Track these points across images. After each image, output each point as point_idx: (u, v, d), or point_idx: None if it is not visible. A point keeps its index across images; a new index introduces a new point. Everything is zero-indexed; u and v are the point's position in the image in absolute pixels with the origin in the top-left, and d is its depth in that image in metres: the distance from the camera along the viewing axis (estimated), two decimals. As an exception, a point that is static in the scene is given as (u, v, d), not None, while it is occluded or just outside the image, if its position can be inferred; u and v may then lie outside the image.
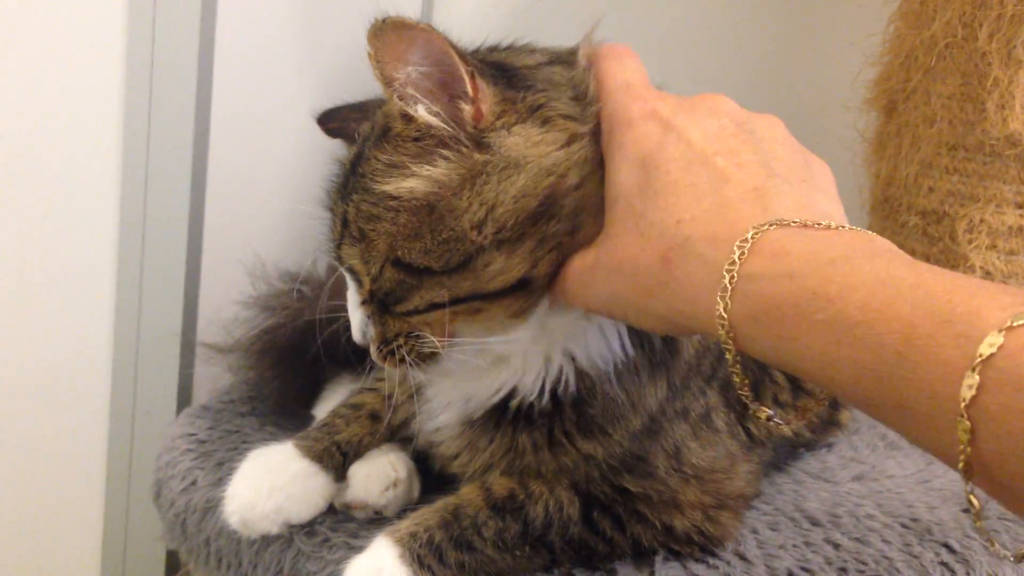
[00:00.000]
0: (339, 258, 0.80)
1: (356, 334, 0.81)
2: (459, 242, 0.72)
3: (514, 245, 0.72)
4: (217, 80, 1.28)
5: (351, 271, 0.80)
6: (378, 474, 0.88)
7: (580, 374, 0.80)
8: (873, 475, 1.08)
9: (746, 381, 0.63)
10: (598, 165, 0.73)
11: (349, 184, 0.79)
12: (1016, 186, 1.24)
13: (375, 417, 0.94)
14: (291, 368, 1.09)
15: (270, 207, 1.36)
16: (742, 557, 0.86)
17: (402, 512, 0.87)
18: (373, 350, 0.80)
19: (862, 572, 0.85)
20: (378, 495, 0.87)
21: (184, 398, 1.33)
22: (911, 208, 1.31)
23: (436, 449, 0.90)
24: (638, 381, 0.81)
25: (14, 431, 1.33)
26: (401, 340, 0.78)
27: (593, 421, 0.81)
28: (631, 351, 0.80)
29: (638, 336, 0.80)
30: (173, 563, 1.37)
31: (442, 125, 0.73)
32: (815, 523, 0.94)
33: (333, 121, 0.93)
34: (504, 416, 0.83)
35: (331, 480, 0.88)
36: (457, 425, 0.86)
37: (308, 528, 0.86)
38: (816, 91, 1.63)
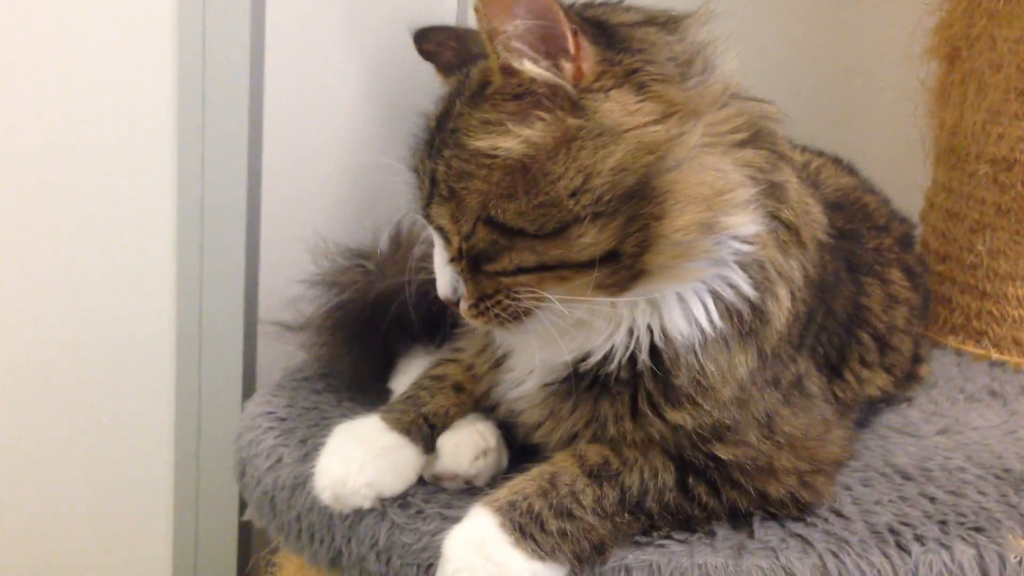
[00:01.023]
0: (428, 216, 0.81)
1: (445, 290, 0.81)
2: (555, 208, 0.72)
3: (608, 219, 0.72)
4: (269, 60, 1.27)
5: (440, 230, 0.80)
6: (467, 443, 0.88)
7: (662, 345, 0.79)
8: (958, 428, 1.07)
9: None
10: (699, 149, 0.73)
11: (437, 141, 0.78)
12: (1089, 129, 1.21)
13: (459, 388, 0.93)
14: (364, 343, 1.08)
15: (327, 186, 1.36)
16: (839, 514, 0.85)
17: (492, 481, 0.87)
18: (464, 307, 0.80)
19: (963, 524, 0.84)
20: (468, 464, 0.87)
21: (249, 378, 1.33)
22: (980, 156, 1.28)
23: (519, 418, 0.89)
24: (727, 351, 0.80)
25: (83, 418, 1.34)
26: (500, 296, 0.78)
27: (680, 391, 0.80)
28: (719, 322, 0.79)
29: (725, 306, 0.79)
30: (245, 544, 1.37)
31: (547, 79, 0.72)
32: (907, 477, 0.93)
33: (429, 42, 0.91)
34: (583, 384, 0.83)
35: (420, 452, 0.88)
36: (539, 393, 0.86)
37: (400, 500, 0.85)
38: (874, 42, 1.60)
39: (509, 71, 0.73)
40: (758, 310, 0.80)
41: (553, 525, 0.75)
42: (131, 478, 1.39)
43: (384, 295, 1.06)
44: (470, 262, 0.78)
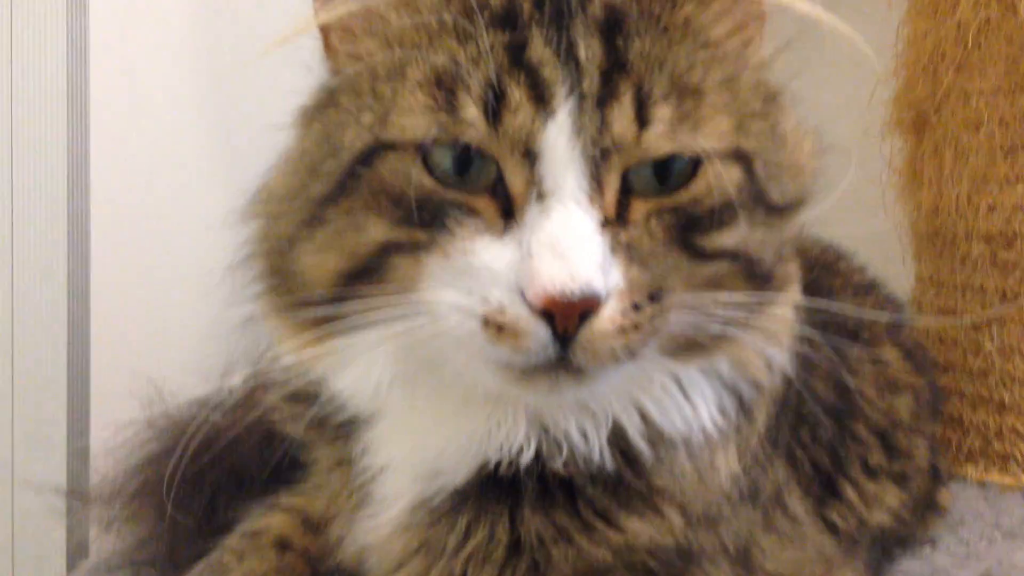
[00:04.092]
0: (602, 125, 0.51)
1: (586, 272, 0.49)
2: (790, 173, 0.58)
3: None
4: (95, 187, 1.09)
5: (604, 153, 0.51)
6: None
7: (640, 434, 0.58)
8: (1003, 573, 0.82)
9: None
10: None
11: (585, 15, 0.54)
12: (1096, 182, 1.00)
13: (284, 545, 0.68)
14: (184, 511, 0.80)
15: (166, 323, 1.13)
16: None
17: None
18: (614, 308, 0.50)
19: None
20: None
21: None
22: (971, 235, 1.06)
23: (369, 562, 0.63)
24: (707, 448, 0.58)
25: None
26: (682, 296, 0.53)
27: (639, 493, 0.57)
28: (716, 411, 0.59)
29: (723, 389, 0.59)
30: None
31: None
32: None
33: None
34: (497, 492, 0.58)
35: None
36: (409, 517, 0.60)
37: None
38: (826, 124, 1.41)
39: None
40: (743, 401, 0.60)
41: None
42: None
43: (211, 445, 0.79)
44: (673, 224, 0.53)
